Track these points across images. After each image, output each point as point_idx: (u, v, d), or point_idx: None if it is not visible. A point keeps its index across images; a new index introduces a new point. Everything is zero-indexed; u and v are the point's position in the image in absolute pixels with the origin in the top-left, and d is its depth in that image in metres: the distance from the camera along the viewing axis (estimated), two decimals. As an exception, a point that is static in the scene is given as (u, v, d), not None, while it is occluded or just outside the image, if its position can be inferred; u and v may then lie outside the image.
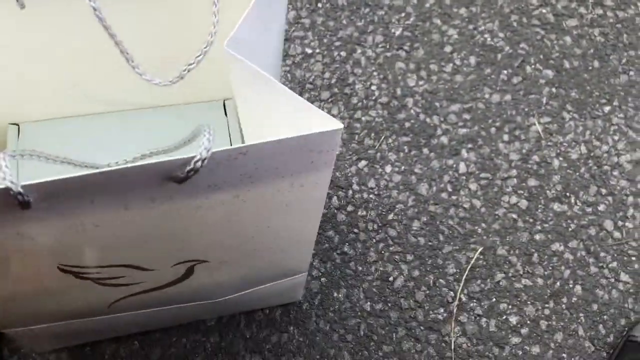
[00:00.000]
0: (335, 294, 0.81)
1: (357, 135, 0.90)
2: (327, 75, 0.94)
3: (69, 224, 0.40)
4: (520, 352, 0.79)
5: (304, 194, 0.46)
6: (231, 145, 0.64)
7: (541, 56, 0.97)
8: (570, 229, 0.86)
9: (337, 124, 0.38)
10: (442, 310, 0.81)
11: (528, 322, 0.81)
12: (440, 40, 0.98)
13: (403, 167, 0.88)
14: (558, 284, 0.83)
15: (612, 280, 0.83)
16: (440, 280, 0.82)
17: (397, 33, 0.98)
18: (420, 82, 0.94)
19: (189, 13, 0.56)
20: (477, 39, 0.98)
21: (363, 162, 0.89)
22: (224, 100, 0.67)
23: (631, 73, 0.97)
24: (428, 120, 0.92)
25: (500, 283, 0.82)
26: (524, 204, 0.87)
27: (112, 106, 0.65)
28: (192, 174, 0.36)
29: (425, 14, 1.00)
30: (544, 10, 1.01)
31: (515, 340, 0.80)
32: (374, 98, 0.93)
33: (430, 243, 0.84)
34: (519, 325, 0.80)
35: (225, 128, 0.65)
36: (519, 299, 0.82)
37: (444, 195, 0.87)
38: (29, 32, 0.54)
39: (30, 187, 0.34)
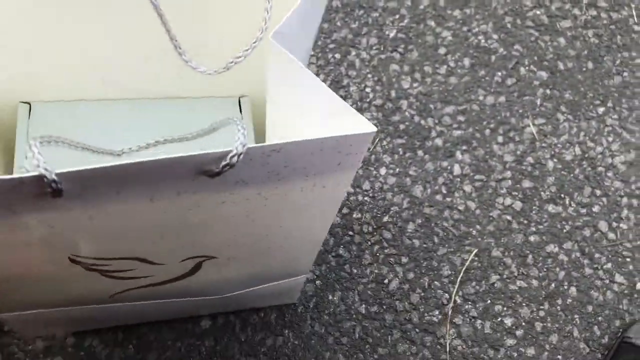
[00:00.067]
0: (330, 297, 0.81)
1: (352, 137, 0.90)
2: (321, 77, 0.94)
3: (92, 214, 0.39)
4: (515, 354, 0.79)
5: (324, 195, 0.45)
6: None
7: (535, 58, 0.97)
8: (564, 230, 0.86)
9: (371, 127, 0.38)
10: (437, 312, 0.81)
11: (523, 323, 0.81)
12: (434, 42, 0.98)
13: (397, 169, 0.88)
14: (553, 285, 0.83)
15: (607, 281, 0.83)
16: (435, 282, 0.82)
17: (392, 35, 0.98)
18: (415, 84, 0.94)
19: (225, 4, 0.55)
20: (471, 41, 0.98)
21: (358, 165, 0.89)
22: (240, 97, 0.66)
23: (625, 74, 0.97)
24: (422, 122, 0.92)
25: (495, 285, 0.82)
26: (518, 205, 0.87)
27: (126, 93, 0.64)
28: (227, 169, 0.35)
29: (420, 16, 1.00)
30: (537, 12, 1.01)
31: (510, 342, 0.80)
32: (368, 100, 0.93)
33: (425, 245, 0.84)
34: (514, 327, 0.80)
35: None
36: (513, 301, 0.82)
37: (438, 197, 0.87)
38: (50, 7, 0.53)
39: (64, 175, 0.33)
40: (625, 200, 0.88)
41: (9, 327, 0.74)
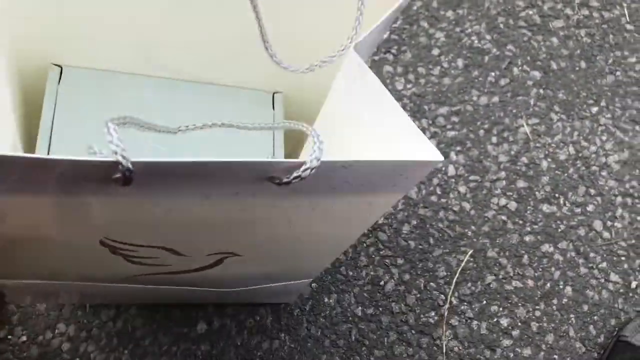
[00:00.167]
0: (326, 300, 0.80)
1: (346, 139, 0.90)
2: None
3: (145, 204, 0.39)
4: (511, 355, 0.79)
5: (368, 210, 0.46)
6: (273, 140, 0.63)
7: (528, 58, 0.98)
8: (559, 230, 0.86)
9: (439, 156, 0.37)
10: (433, 313, 0.81)
11: (519, 324, 0.81)
12: (427, 43, 0.98)
13: (392, 171, 0.88)
14: (548, 285, 0.83)
15: (602, 280, 0.84)
16: (431, 283, 0.82)
17: (385, 36, 0.98)
18: (408, 85, 0.94)
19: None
20: (464, 42, 0.98)
21: (352, 167, 0.88)
22: (274, 93, 0.65)
23: (618, 73, 0.97)
24: (416, 123, 0.92)
25: (491, 285, 0.82)
26: (513, 205, 0.87)
27: (164, 72, 0.62)
28: (296, 180, 0.35)
29: (413, 17, 1.00)
30: (530, 12, 1.01)
31: (506, 342, 0.80)
32: (362, 102, 0.93)
33: (420, 246, 0.84)
34: (510, 328, 0.80)
35: (270, 122, 0.64)
36: (509, 301, 0.82)
37: (433, 198, 0.87)
38: None
39: (140, 164, 0.32)
40: (619, 199, 0.88)
41: (8, 295, 0.74)
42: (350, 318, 0.80)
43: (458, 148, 0.90)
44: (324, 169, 0.36)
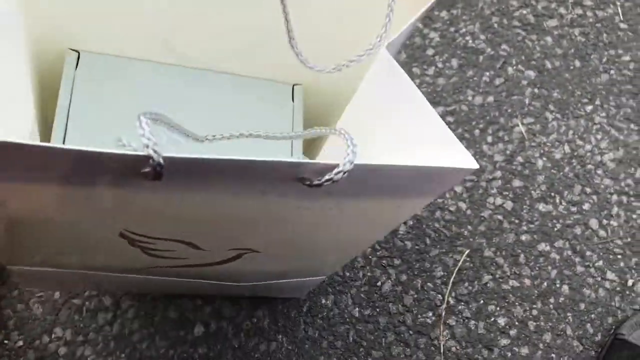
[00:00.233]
0: (323, 301, 0.80)
1: (342, 140, 0.90)
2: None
3: (172, 199, 0.38)
4: (509, 354, 0.79)
5: (395, 214, 0.45)
6: (293, 131, 0.62)
7: (523, 57, 0.98)
8: (555, 229, 0.86)
9: (473, 163, 0.37)
10: (430, 313, 0.81)
11: (516, 323, 0.81)
12: (422, 43, 0.98)
13: (388, 172, 0.88)
14: (545, 284, 0.83)
15: (599, 279, 0.84)
16: (428, 283, 0.82)
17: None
18: (403, 86, 0.94)
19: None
20: (458, 42, 0.98)
21: (348, 168, 0.88)
22: (294, 85, 0.64)
23: (612, 72, 0.97)
24: (412, 123, 0.92)
25: (488, 285, 0.82)
26: (509, 205, 0.87)
27: (183, 61, 0.61)
28: (328, 183, 0.34)
29: (407, 18, 1.00)
30: (524, 11, 1.01)
31: (504, 341, 0.80)
32: (357, 103, 0.93)
33: (417, 247, 0.84)
34: (507, 327, 0.80)
35: (289, 114, 0.63)
36: (506, 301, 0.82)
37: (429, 198, 0.87)
38: None
39: (171, 160, 0.31)
40: (615, 197, 0.89)
41: (19, 281, 0.73)
42: (347, 319, 0.80)
43: (453, 148, 0.90)
44: (357, 173, 0.35)
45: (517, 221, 0.86)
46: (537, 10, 1.02)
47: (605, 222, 0.87)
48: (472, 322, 0.80)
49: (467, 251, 0.84)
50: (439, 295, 0.82)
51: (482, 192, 0.88)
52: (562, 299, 0.82)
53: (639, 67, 0.98)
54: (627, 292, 0.83)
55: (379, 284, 0.82)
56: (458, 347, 0.79)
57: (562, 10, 1.02)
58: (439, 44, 0.98)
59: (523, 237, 0.85)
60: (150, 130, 0.31)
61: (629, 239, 0.86)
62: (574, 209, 0.88)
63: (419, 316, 0.80)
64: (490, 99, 0.94)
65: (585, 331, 0.81)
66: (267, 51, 0.57)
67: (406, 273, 0.83)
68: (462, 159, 0.37)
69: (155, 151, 0.30)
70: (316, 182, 0.34)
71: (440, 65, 0.96)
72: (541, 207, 0.87)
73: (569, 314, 0.81)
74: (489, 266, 0.83)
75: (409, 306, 0.81)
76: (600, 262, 0.85)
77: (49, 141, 0.56)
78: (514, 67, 0.97)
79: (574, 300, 0.82)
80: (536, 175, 0.89)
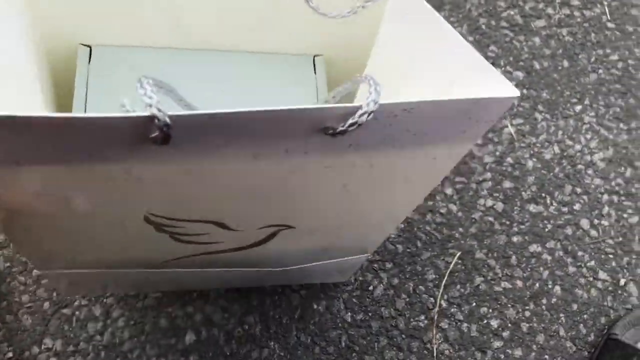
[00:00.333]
0: (315, 306, 0.80)
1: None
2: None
3: (189, 168, 0.35)
4: (502, 356, 0.79)
5: (431, 168, 0.41)
6: (317, 102, 0.60)
7: (511, 58, 0.98)
8: (547, 230, 0.86)
9: (514, 91, 0.33)
10: (423, 317, 0.80)
11: (509, 325, 0.80)
12: (410, 46, 0.98)
13: (378, 175, 0.88)
14: (537, 285, 0.83)
15: (591, 279, 0.84)
16: (420, 287, 0.82)
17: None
18: (392, 89, 0.94)
19: None
20: (446, 44, 0.98)
21: (338, 172, 0.88)
22: (314, 57, 0.62)
23: (600, 71, 0.97)
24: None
25: (480, 287, 0.82)
26: (500, 206, 0.87)
27: (196, 44, 0.59)
28: (353, 128, 0.31)
29: (395, 20, 0.99)
30: (512, 12, 1.01)
31: (497, 344, 0.79)
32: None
33: (408, 250, 0.84)
34: (500, 329, 0.80)
35: (313, 86, 0.61)
36: (499, 302, 0.81)
37: (420, 201, 0.87)
38: None
39: (177, 118, 0.29)
40: (605, 197, 0.89)
41: (52, 285, 0.73)
42: (339, 324, 0.79)
43: (443, 150, 0.90)
44: (383, 114, 0.32)
45: (508, 222, 0.86)
46: (524, 11, 1.02)
47: (596, 221, 0.87)
48: (465, 324, 0.80)
49: (459, 253, 0.84)
50: (431, 299, 0.81)
51: (473, 193, 0.88)
52: (554, 299, 0.82)
53: (627, 66, 0.98)
54: (619, 292, 0.83)
55: (370, 288, 0.81)
56: (451, 350, 0.79)
57: (549, 10, 1.02)
58: (427, 46, 0.98)
59: (514, 239, 0.85)
60: (152, 89, 0.29)
61: (620, 239, 0.86)
62: (564, 209, 0.87)
63: (412, 320, 0.80)
64: (480, 100, 0.94)
65: (578, 332, 0.81)
66: (283, 24, 0.55)
67: (398, 277, 0.82)
68: (500, 87, 0.34)
69: (159, 109, 0.29)
70: (340, 128, 0.32)
71: (428, 67, 0.96)
72: (532, 208, 0.87)
73: (561, 315, 0.81)
74: (480, 268, 0.83)
75: (401, 310, 0.80)
76: (592, 262, 0.84)
77: None
78: (503, 68, 0.97)
79: (566, 301, 0.82)
80: (526, 176, 0.89)
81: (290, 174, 0.38)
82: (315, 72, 0.62)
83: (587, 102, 0.95)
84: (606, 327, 0.81)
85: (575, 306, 0.82)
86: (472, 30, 0.99)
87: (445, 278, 0.82)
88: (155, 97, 0.29)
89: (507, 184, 0.88)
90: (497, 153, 0.90)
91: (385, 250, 0.83)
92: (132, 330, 0.77)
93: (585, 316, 0.81)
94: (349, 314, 0.80)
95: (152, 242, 0.49)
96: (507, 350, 0.79)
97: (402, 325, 0.80)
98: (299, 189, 0.42)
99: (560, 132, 0.93)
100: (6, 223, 0.42)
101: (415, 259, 0.83)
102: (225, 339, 0.77)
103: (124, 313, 0.77)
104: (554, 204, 0.88)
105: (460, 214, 0.86)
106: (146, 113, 0.28)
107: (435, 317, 0.80)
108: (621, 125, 0.93)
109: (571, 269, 0.84)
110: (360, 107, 0.31)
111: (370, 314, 0.80)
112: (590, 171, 0.90)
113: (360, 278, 0.81)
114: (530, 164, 0.90)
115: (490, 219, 0.86)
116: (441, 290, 0.82)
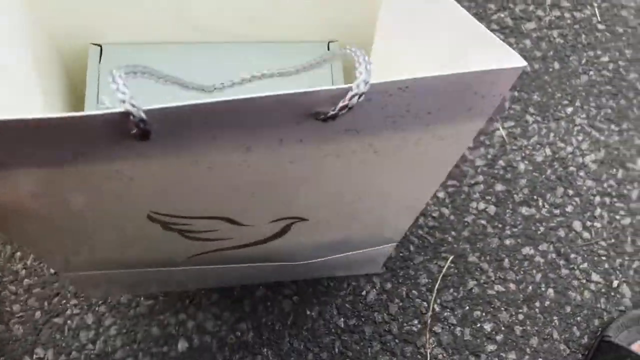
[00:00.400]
0: (308, 312, 0.80)
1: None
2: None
3: (180, 163, 0.34)
4: (496, 359, 0.79)
5: (439, 150, 0.39)
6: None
7: (502, 60, 0.97)
8: (539, 232, 0.86)
9: (520, 61, 0.31)
10: (416, 321, 0.80)
11: (502, 328, 0.80)
12: (401, 49, 0.98)
13: (370, 179, 0.88)
14: (530, 288, 0.83)
15: (584, 281, 0.83)
16: (413, 291, 0.82)
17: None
18: (383, 93, 0.94)
19: None
20: (437, 47, 0.98)
21: (330, 177, 0.88)
22: (329, 43, 0.61)
23: (591, 73, 0.97)
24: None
25: (473, 290, 0.82)
26: (492, 209, 0.87)
27: (207, 36, 0.58)
28: (344, 111, 0.29)
29: (385, 24, 0.99)
30: (502, 15, 1.01)
31: (490, 347, 0.79)
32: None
33: (401, 254, 0.84)
34: (493, 332, 0.80)
35: (328, 72, 0.60)
36: (492, 306, 0.81)
37: (412, 205, 0.86)
38: None
39: (154, 112, 0.28)
40: (597, 198, 0.89)
41: (74, 287, 0.73)
42: (332, 330, 0.79)
43: (435, 154, 0.90)
44: (376, 95, 0.30)
45: (500, 225, 0.86)
46: (515, 13, 1.02)
47: (588, 223, 0.87)
48: (458, 328, 0.80)
49: (452, 257, 0.84)
50: (424, 303, 0.81)
51: (465, 197, 0.87)
52: (547, 302, 0.82)
53: (617, 67, 0.98)
54: (613, 294, 0.83)
55: (363, 293, 0.81)
56: (444, 355, 0.78)
57: (539, 12, 1.02)
58: (418, 49, 0.98)
59: (507, 242, 0.85)
60: (125, 83, 0.28)
61: (612, 240, 0.86)
62: (556, 211, 0.87)
63: (405, 324, 0.80)
64: (471, 103, 0.94)
65: (572, 334, 0.80)
66: (295, 11, 0.54)
67: (391, 281, 0.82)
68: (505, 57, 0.32)
69: (132, 105, 0.27)
70: (331, 112, 0.30)
71: (419, 71, 0.96)
72: (524, 210, 0.87)
73: (555, 318, 0.81)
74: (473, 272, 0.83)
75: (394, 315, 0.80)
76: (585, 264, 0.84)
77: None
78: (494, 71, 0.97)
79: (559, 304, 0.82)
80: (518, 179, 0.89)
81: (290, 164, 0.37)
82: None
83: (578, 103, 0.95)
84: (599, 329, 0.81)
85: (568, 308, 0.82)
86: (462, 33, 0.99)
87: (438, 282, 0.82)
88: (128, 91, 0.28)
89: (499, 187, 0.88)
90: (489, 156, 0.90)
91: (377, 254, 0.83)
92: (125, 338, 0.76)
93: (578, 318, 0.81)
94: (342, 319, 0.80)
95: (163, 241, 0.49)
96: (501, 354, 0.79)
97: (396, 330, 0.79)
98: (302, 180, 0.40)
99: (551, 134, 0.93)
100: (17, 227, 0.42)
101: (408, 263, 0.83)
102: (218, 346, 0.77)
103: (116, 321, 0.77)
104: (546, 206, 0.88)
105: (452, 217, 0.86)
106: (120, 109, 0.28)
107: (429, 321, 0.80)
108: (612, 126, 0.94)
109: (564, 272, 0.84)
110: (350, 89, 0.29)
111: (363, 319, 0.80)
112: (582, 173, 0.90)
113: (353, 283, 0.81)
114: (522, 166, 0.90)
115: (483, 222, 0.86)
116: (434, 295, 0.82)
